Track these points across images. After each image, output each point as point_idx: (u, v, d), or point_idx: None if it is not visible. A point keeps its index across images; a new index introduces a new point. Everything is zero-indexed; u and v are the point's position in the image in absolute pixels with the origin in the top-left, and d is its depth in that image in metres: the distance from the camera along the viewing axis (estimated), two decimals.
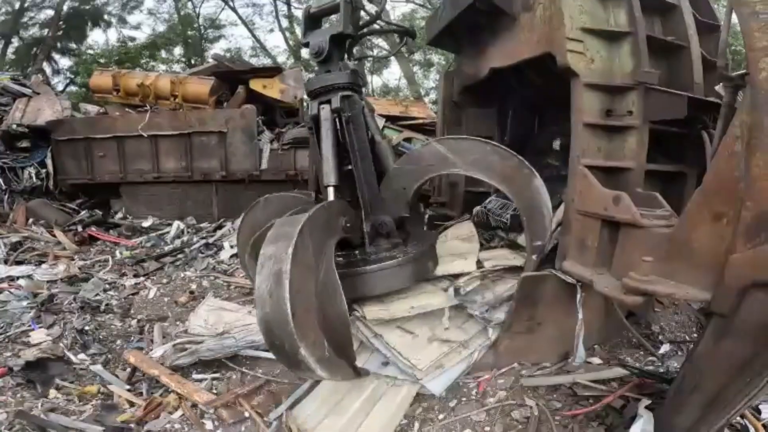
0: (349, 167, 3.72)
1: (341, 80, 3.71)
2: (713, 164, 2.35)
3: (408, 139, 9.28)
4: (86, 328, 4.69)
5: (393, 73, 18.32)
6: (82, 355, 4.27)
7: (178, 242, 7.92)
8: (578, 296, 3.56)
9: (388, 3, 19.14)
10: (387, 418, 3.35)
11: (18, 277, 5.79)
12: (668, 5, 3.86)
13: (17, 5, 16.62)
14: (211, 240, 7.83)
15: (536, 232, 3.69)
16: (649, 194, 3.22)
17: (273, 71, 10.00)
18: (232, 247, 7.47)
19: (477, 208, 4.99)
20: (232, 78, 9.57)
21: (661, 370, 3.60)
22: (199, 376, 3.96)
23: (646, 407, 2.83)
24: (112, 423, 3.20)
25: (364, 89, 4.04)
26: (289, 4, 21.62)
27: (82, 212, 8.06)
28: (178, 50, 19.71)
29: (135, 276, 6.17)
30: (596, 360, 3.84)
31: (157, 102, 8.86)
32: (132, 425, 3.23)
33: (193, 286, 6.00)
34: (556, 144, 5.01)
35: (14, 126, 7.52)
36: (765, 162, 2.01)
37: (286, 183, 8.42)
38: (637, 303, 2.73)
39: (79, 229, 7.71)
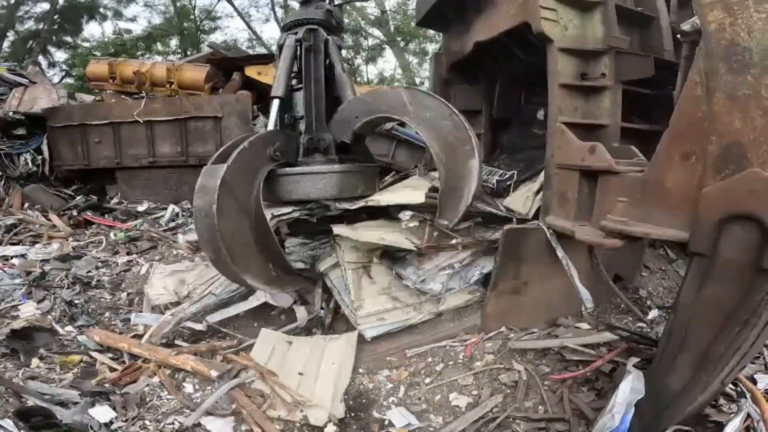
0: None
1: (309, 16, 4.35)
2: (678, 107, 2.42)
3: (401, 124, 9.29)
4: (75, 300, 4.73)
5: (388, 62, 18.39)
6: (69, 327, 4.31)
7: (172, 224, 7.97)
8: (558, 249, 3.60)
9: None
10: (337, 370, 3.48)
11: (12, 257, 5.83)
12: None
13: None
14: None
15: (446, 211, 3.83)
16: (624, 147, 3.32)
17: (268, 58, 10.03)
18: None
19: None
20: (227, 65, 9.61)
21: (650, 336, 3.59)
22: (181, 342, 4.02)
23: (635, 366, 2.80)
24: (83, 386, 3.21)
25: (343, 34, 4.74)
26: None
27: (78, 197, 8.10)
28: (174, 42, 19.78)
29: (128, 254, 6.20)
30: (584, 325, 3.82)
31: (153, 89, 8.92)
32: (107, 386, 3.24)
33: (188, 262, 6.04)
34: (540, 114, 5.06)
35: (11, 113, 7.57)
36: (723, 101, 2.10)
37: None
38: (616, 245, 2.78)
39: (75, 213, 7.77)
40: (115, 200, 8.64)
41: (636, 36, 3.92)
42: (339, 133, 4.35)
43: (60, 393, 3.09)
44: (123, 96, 8.97)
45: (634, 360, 2.87)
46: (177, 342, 3.99)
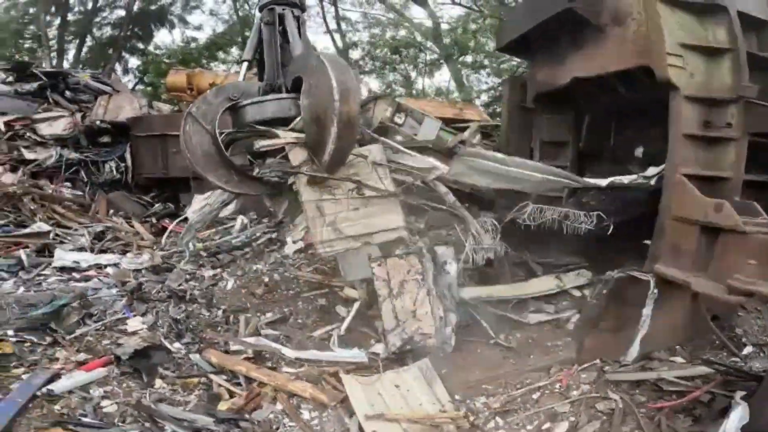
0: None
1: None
2: None
3: (462, 142, 9.29)
4: (177, 317, 4.97)
5: (442, 74, 18.36)
6: (177, 344, 4.51)
7: (242, 236, 8.24)
8: (651, 292, 3.65)
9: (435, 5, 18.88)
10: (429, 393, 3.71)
11: (105, 266, 6.16)
12: (763, 22, 3.95)
13: (90, 5, 17.52)
14: (274, 235, 8.09)
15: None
16: (746, 203, 3.30)
17: None
18: (294, 242, 7.74)
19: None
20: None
21: (744, 369, 3.64)
22: (288, 369, 4.20)
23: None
24: (218, 413, 3.39)
25: (303, 12, 6.08)
26: (336, 6, 21.91)
27: (156, 205, 8.47)
28: (236, 51, 20.23)
29: (212, 267, 6.45)
30: (679, 359, 3.92)
31: None
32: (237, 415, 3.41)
33: (266, 279, 6.25)
34: (638, 152, 5.00)
35: (98, 122, 7.96)
36: None
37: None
38: (741, 302, 2.85)
39: (154, 220, 8.14)
40: (188, 208, 8.99)
41: (760, 82, 3.77)
42: (288, 80, 5.47)
43: (195, 419, 3.27)
44: None
45: (741, 393, 2.99)
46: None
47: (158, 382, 3.83)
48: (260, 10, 5.91)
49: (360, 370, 4.19)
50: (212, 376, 3.93)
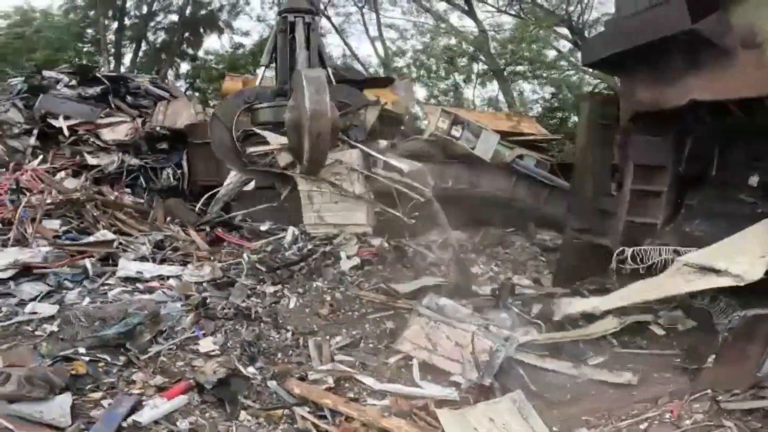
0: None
1: (283, 6, 6.57)
2: None
3: (520, 156, 8.90)
4: (247, 338, 4.75)
5: (491, 84, 17.79)
6: (251, 369, 4.30)
7: (295, 248, 8.05)
8: None
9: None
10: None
11: (168, 277, 6.01)
12: None
13: (145, 9, 17.81)
14: (327, 248, 7.87)
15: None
16: None
17: (386, 81, 10.01)
18: (349, 257, 7.51)
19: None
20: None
21: None
22: (372, 401, 3.94)
23: None
24: None
25: (316, 17, 6.95)
26: (377, 13, 21.68)
27: (210, 213, 8.35)
28: None
29: (273, 284, 6.25)
30: None
31: None
32: None
33: (328, 298, 6.02)
34: (753, 180, 4.59)
35: (158, 128, 7.90)
36: None
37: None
38: None
39: (207, 229, 8.02)
40: (239, 217, 8.84)
41: None
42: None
43: None
44: None
45: None
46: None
47: (243, 414, 3.61)
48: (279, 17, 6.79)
49: (448, 402, 4.01)
50: (296, 409, 3.67)
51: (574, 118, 15.95)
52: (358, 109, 7.38)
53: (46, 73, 8.54)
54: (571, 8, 15.61)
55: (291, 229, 8.56)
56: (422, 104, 11.77)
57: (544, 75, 15.85)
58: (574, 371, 4.33)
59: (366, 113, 7.52)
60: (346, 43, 22.18)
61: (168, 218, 7.71)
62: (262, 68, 6.83)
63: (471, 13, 18.03)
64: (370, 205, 6.51)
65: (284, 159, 6.32)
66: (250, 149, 6.34)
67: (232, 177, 8.13)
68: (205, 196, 8.16)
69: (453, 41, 17.22)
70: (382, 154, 6.67)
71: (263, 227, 8.67)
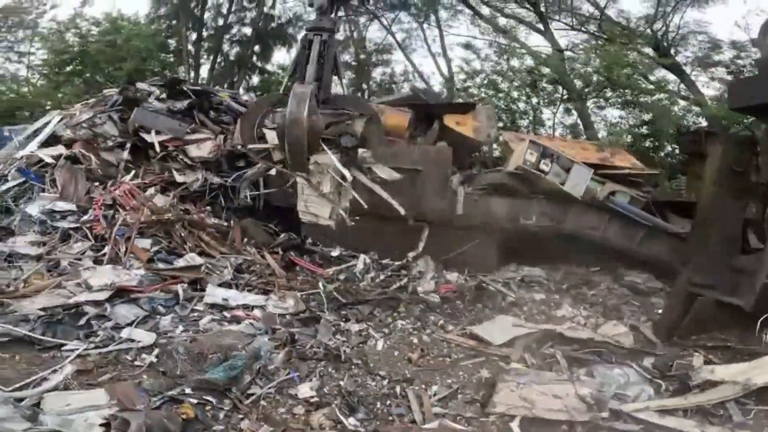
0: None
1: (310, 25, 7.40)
2: None
3: (613, 193, 8.38)
4: (347, 387, 4.53)
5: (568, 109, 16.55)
6: (353, 420, 4.08)
7: (368, 278, 7.84)
8: None
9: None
10: None
11: (252, 307, 5.88)
12: None
13: (221, 21, 18.22)
14: (403, 281, 7.63)
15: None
16: None
17: (467, 107, 9.66)
18: (426, 294, 7.25)
19: None
20: (427, 112, 9.32)
21: None
22: None
23: None
24: None
25: (333, 35, 7.41)
26: (440, 30, 20.98)
27: (282, 235, 8.24)
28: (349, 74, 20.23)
29: (357, 321, 6.04)
30: None
31: None
32: None
33: (415, 341, 5.76)
34: None
35: (239, 146, 7.87)
36: None
37: (477, 230, 8.00)
38: None
39: (280, 251, 7.90)
40: (309, 240, 8.69)
41: None
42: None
43: None
44: None
45: None
46: None
47: None
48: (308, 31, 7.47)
49: None
50: None
51: (668, 148, 14.92)
52: (348, 119, 8.00)
53: (139, 85, 8.65)
54: (657, 26, 14.55)
55: (362, 257, 8.37)
56: (504, 132, 11.22)
57: (633, 101, 14.35)
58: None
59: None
60: (409, 61, 21.72)
61: (245, 239, 7.61)
62: (286, 77, 8.00)
63: (547, 32, 17.15)
64: (335, 205, 7.43)
65: (278, 156, 7.29)
66: (251, 145, 7.24)
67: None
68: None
69: (529, 62, 16.13)
70: (363, 162, 7.51)
71: (334, 253, 8.51)
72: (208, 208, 7.45)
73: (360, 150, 7.68)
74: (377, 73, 21.42)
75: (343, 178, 7.15)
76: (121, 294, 5.24)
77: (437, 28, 20.93)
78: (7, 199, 6.53)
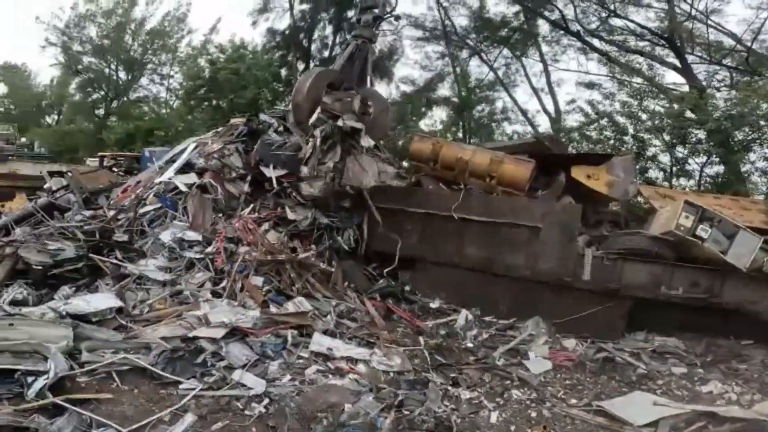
0: None
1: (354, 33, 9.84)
2: None
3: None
4: None
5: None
6: None
7: (470, 335, 7.34)
8: None
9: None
10: None
11: (357, 360, 5.62)
12: None
13: (326, 54, 19.01)
14: (511, 344, 7.04)
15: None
16: None
17: (600, 158, 8.86)
18: (536, 357, 6.58)
19: None
20: (552, 162, 8.74)
21: None
22: None
23: None
24: None
25: (369, 43, 9.75)
26: (545, 65, 20.02)
27: (380, 281, 8.02)
28: (438, 112, 20.11)
29: (467, 387, 5.56)
30: None
31: (470, 180, 8.53)
32: None
33: (533, 414, 5.18)
34: None
35: (347, 187, 7.83)
36: None
37: (605, 297, 7.21)
38: None
39: (378, 297, 7.66)
40: (407, 287, 8.37)
41: None
42: None
43: None
44: (440, 183, 8.80)
45: None
46: None
47: None
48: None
49: None
50: None
51: None
52: (349, 96, 8.67)
53: (262, 116, 9.02)
54: None
55: (464, 313, 7.87)
56: (640, 187, 9.95)
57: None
58: None
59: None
60: (511, 97, 20.89)
61: (346, 283, 7.46)
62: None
63: (686, 70, 15.27)
64: (309, 209, 7.94)
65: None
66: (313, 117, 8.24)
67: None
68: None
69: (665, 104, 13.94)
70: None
71: (433, 304, 8.13)
72: (314, 247, 7.38)
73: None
74: (476, 111, 20.84)
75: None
76: (234, 332, 5.21)
77: (541, 62, 19.99)
78: (143, 222, 6.92)
